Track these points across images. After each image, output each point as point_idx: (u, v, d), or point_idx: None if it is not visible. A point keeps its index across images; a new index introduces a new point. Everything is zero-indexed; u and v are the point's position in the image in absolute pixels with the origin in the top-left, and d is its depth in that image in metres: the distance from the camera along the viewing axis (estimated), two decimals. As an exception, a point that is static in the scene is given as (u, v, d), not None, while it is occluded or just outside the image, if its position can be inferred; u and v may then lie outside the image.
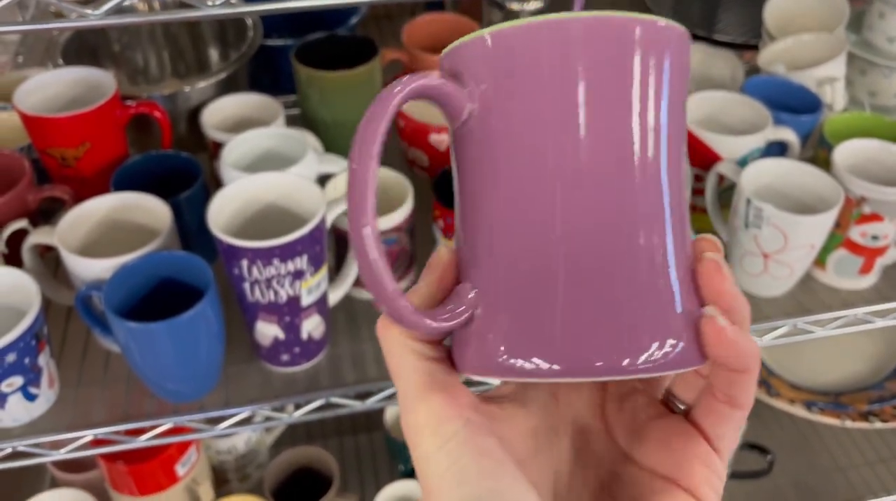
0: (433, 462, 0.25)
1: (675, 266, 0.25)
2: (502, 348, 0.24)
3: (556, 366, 0.24)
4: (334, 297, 0.67)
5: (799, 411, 0.95)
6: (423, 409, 0.25)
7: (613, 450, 0.28)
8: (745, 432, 0.91)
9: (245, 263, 0.56)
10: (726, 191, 0.75)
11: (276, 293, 0.58)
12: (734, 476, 0.96)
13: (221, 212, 0.59)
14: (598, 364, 0.24)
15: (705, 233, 0.28)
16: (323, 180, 0.72)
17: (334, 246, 0.70)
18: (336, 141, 0.80)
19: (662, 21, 0.24)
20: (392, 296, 0.25)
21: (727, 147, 0.72)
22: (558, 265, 0.24)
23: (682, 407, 0.28)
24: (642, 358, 0.24)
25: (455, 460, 0.24)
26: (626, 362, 0.24)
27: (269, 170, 0.64)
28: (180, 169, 0.72)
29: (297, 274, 0.58)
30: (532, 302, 0.24)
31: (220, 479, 0.95)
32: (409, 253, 0.71)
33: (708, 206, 0.74)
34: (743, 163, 0.72)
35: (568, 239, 0.24)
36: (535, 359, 0.24)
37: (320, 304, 0.63)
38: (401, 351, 0.26)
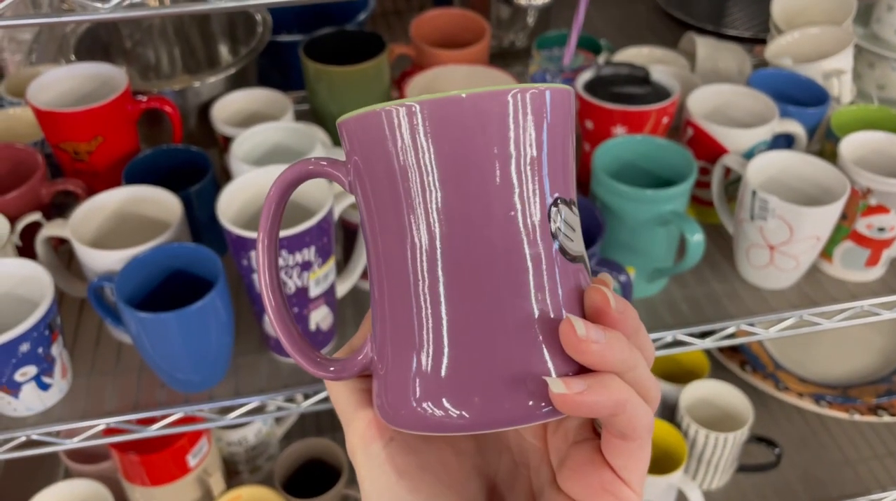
0: (363, 480, 0.27)
1: (551, 311, 0.25)
2: (384, 399, 0.26)
3: (448, 418, 0.24)
4: (342, 289, 0.68)
5: (807, 404, 0.95)
6: (351, 432, 0.27)
7: (548, 473, 0.28)
8: (754, 425, 0.91)
9: (253, 254, 0.57)
10: (732, 183, 0.75)
11: (284, 284, 0.59)
12: (742, 469, 0.96)
13: (231, 205, 0.60)
14: (471, 417, 0.24)
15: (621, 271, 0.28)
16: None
17: (342, 238, 0.70)
18: (344, 135, 0.81)
19: (514, 90, 0.24)
20: (294, 349, 0.28)
21: (734, 140, 0.72)
22: (427, 323, 0.25)
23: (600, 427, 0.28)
24: (521, 409, 0.24)
25: (375, 479, 0.26)
26: (501, 415, 0.24)
27: (278, 164, 0.65)
28: (191, 163, 0.73)
29: (305, 266, 0.59)
30: (408, 356, 0.25)
31: (231, 470, 0.96)
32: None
33: (714, 199, 0.74)
34: (749, 155, 0.72)
35: (436, 301, 0.25)
36: (420, 410, 0.25)
37: (328, 295, 0.63)
38: (334, 383, 0.28)
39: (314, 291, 0.61)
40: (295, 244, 0.57)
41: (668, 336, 0.68)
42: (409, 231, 0.25)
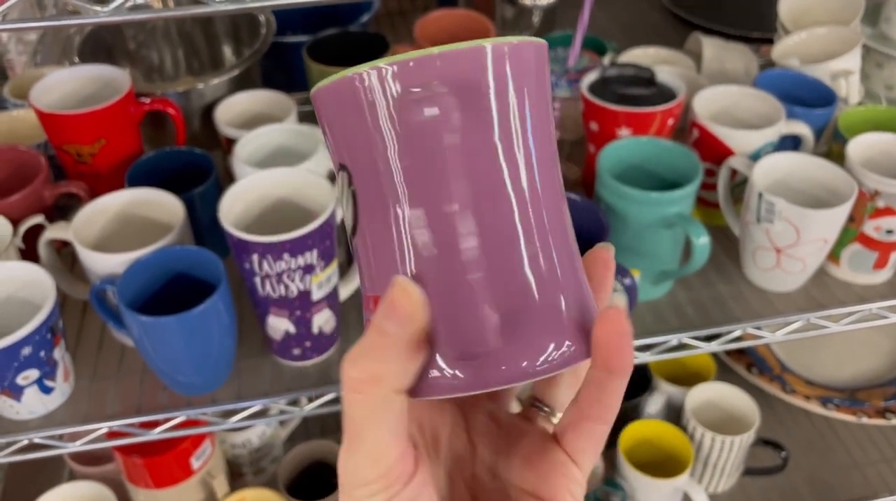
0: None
1: (560, 274, 0.25)
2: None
3: (458, 379, 0.24)
4: (345, 292, 0.67)
5: (814, 407, 0.95)
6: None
7: (482, 470, 0.29)
8: (760, 428, 0.91)
9: (256, 257, 0.57)
10: (738, 185, 0.75)
11: (286, 287, 0.59)
12: (749, 472, 0.95)
13: (233, 208, 0.60)
14: (501, 369, 0.24)
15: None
16: (334, 176, 0.72)
17: (344, 240, 0.70)
18: (348, 137, 0.81)
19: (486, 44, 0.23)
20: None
21: (740, 141, 0.71)
22: (447, 285, 0.24)
23: (547, 410, 0.29)
24: (541, 359, 0.24)
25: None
26: (525, 364, 0.24)
27: (281, 166, 0.65)
28: (194, 165, 0.73)
29: (308, 269, 0.58)
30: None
31: (235, 473, 0.96)
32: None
33: (720, 201, 0.73)
34: (756, 157, 0.71)
35: (452, 262, 0.24)
36: (435, 374, 0.24)
37: (331, 299, 0.63)
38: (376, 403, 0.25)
39: (317, 294, 0.61)
40: (297, 247, 0.56)
41: (674, 339, 0.68)
42: (427, 197, 0.24)
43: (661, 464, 0.91)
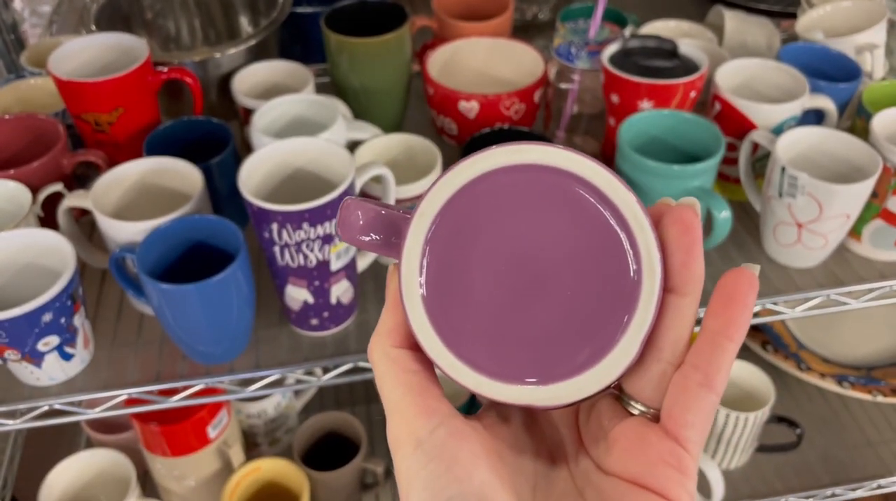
0: (405, 467, 0.25)
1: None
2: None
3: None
4: (363, 263, 0.67)
5: (830, 385, 0.94)
6: (398, 417, 0.26)
7: (586, 461, 0.28)
8: (775, 405, 0.91)
9: (275, 227, 0.57)
10: (760, 160, 0.74)
11: (305, 257, 0.59)
12: (763, 449, 0.95)
13: (252, 177, 0.60)
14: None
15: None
16: (352, 147, 0.72)
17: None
18: (366, 107, 0.80)
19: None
20: None
21: (762, 115, 0.71)
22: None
23: (640, 409, 0.27)
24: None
25: (424, 465, 0.25)
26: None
27: (299, 136, 0.64)
28: (211, 135, 0.72)
29: (327, 239, 0.58)
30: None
31: (251, 443, 0.96)
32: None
33: (741, 176, 0.73)
34: (778, 131, 0.71)
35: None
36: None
37: (349, 269, 0.63)
38: (384, 363, 0.27)
39: (335, 265, 0.61)
40: (316, 217, 0.56)
41: (692, 314, 0.67)
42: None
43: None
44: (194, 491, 0.88)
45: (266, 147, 0.61)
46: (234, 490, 0.86)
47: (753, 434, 0.92)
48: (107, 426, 0.95)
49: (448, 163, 0.76)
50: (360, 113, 0.80)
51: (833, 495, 0.94)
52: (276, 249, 0.59)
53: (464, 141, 0.80)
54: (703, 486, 0.90)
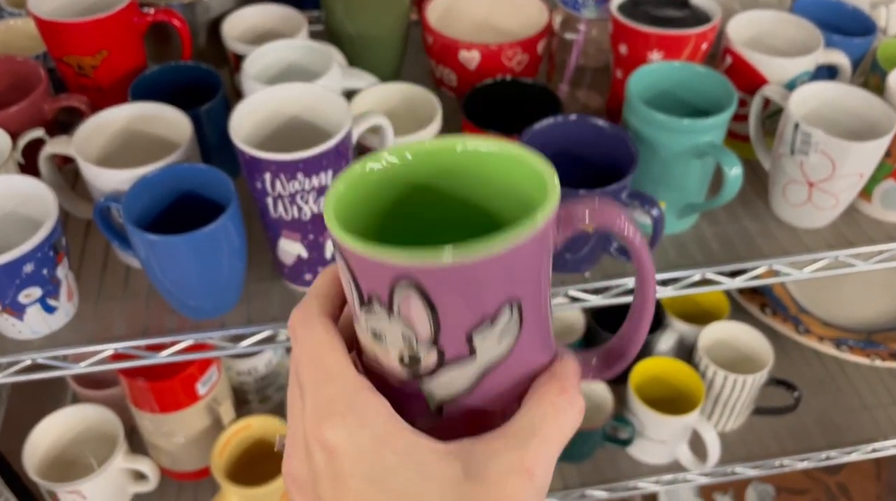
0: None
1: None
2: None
3: None
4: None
5: (828, 349, 0.93)
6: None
7: None
8: (772, 368, 0.90)
9: (268, 177, 0.54)
10: (770, 117, 0.71)
11: (299, 209, 0.56)
12: (759, 411, 0.94)
13: (243, 124, 0.57)
14: None
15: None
16: (348, 97, 0.69)
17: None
18: (361, 57, 0.77)
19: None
20: None
21: (775, 69, 0.68)
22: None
23: None
24: None
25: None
26: None
27: (293, 82, 0.61)
28: (200, 81, 0.69)
29: (322, 191, 0.56)
30: None
31: (241, 400, 0.95)
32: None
33: (751, 132, 0.70)
34: (791, 87, 0.68)
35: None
36: None
37: (345, 223, 0.61)
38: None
39: (331, 218, 0.58)
40: (312, 166, 0.54)
41: (697, 274, 0.66)
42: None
43: (672, 401, 0.90)
44: (183, 448, 0.87)
45: (259, 93, 0.58)
46: (224, 447, 0.84)
47: (750, 397, 0.91)
48: (93, 381, 0.93)
49: (447, 118, 0.74)
50: (355, 62, 0.77)
51: (828, 458, 0.94)
52: (269, 200, 0.56)
53: (463, 93, 0.77)
54: (699, 448, 0.89)
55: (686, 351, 0.95)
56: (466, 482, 0.23)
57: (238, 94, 0.72)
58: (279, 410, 0.92)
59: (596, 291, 0.65)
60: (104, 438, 0.85)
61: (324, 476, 0.24)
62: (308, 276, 0.62)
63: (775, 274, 0.67)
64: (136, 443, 0.91)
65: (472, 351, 0.25)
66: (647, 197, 0.59)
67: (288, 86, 0.59)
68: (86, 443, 0.88)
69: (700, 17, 0.69)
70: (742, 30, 0.72)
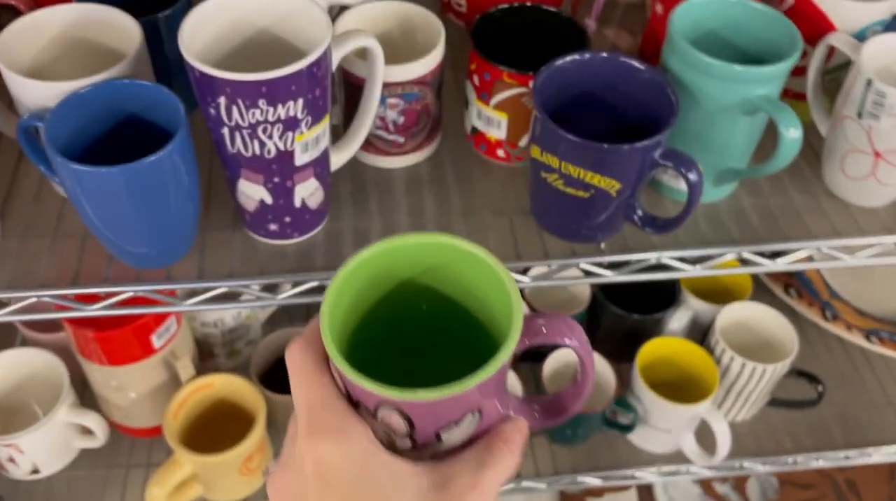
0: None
1: None
2: None
3: None
4: (338, 160, 0.55)
5: (856, 338, 0.84)
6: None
7: None
8: (794, 359, 0.80)
9: (223, 101, 0.44)
10: (830, 72, 0.61)
11: (262, 144, 0.46)
12: (776, 403, 0.86)
13: (197, 34, 0.46)
14: None
15: None
16: (337, 14, 0.58)
17: (342, 96, 0.57)
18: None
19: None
20: None
21: (845, 15, 0.57)
22: None
23: None
24: None
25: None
26: None
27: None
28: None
29: (290, 124, 0.45)
30: None
31: (206, 353, 0.86)
32: (432, 113, 0.58)
33: (808, 90, 0.60)
34: (860, 37, 0.57)
35: None
36: None
37: (319, 166, 0.50)
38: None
39: (301, 158, 0.48)
40: (277, 92, 0.43)
41: (731, 253, 0.56)
42: None
43: (681, 386, 0.81)
44: (136, 404, 0.78)
45: (218, -3, 0.47)
46: (180, 408, 0.75)
47: (768, 388, 0.82)
48: (42, 324, 0.84)
49: (455, 44, 0.63)
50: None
51: (846, 458, 0.86)
52: (226, 132, 0.46)
53: (472, 20, 0.66)
54: (707, 439, 0.80)
55: (700, 332, 0.86)
56: (433, 493, 0.28)
57: (207, 4, 0.61)
58: (247, 367, 0.83)
59: (612, 265, 0.56)
60: (50, 386, 0.77)
61: (313, 484, 0.28)
62: (273, 226, 0.53)
63: (823, 257, 0.57)
64: (89, 395, 0.82)
65: (440, 440, 0.30)
66: (685, 157, 0.49)
67: (255, -9, 0.48)
68: (31, 390, 0.80)
69: (762, -54, 0.57)
70: (807, -35, 0.60)
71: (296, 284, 0.53)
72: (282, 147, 0.46)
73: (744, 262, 0.57)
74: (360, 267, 0.30)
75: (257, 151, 0.46)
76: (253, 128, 0.45)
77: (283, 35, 0.49)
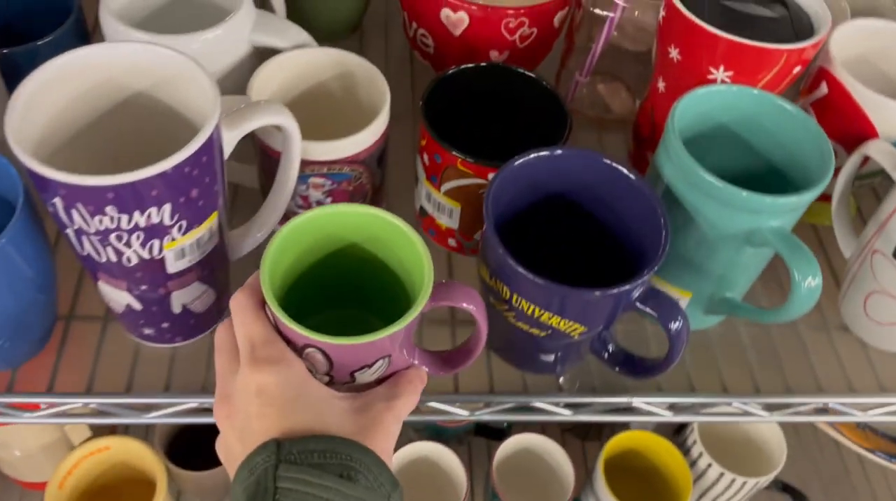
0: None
1: None
2: None
3: None
4: (246, 245, 0.44)
5: (854, 446, 0.74)
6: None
7: None
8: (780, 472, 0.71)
9: (60, 204, 0.33)
10: (862, 177, 0.50)
11: (119, 253, 0.35)
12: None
13: (41, 103, 0.35)
14: None
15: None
16: (266, 56, 0.46)
17: (258, 159, 0.46)
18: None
19: None
20: None
21: (887, 115, 0.46)
22: None
23: None
24: None
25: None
26: None
27: (168, 30, 0.39)
28: (48, 5, 0.47)
29: (155, 232, 0.34)
30: None
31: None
32: (369, 191, 0.47)
33: (834, 202, 0.49)
34: (903, 144, 0.46)
35: None
36: None
37: (205, 269, 0.39)
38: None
39: (175, 265, 0.37)
40: (129, 198, 0.32)
41: (721, 404, 0.45)
42: None
43: (649, 481, 0.72)
44: (22, 462, 0.68)
45: (70, 54, 0.35)
46: (67, 476, 0.65)
47: (747, 499, 0.72)
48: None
49: (417, 87, 0.52)
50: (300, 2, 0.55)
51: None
52: (70, 233, 0.35)
53: (440, 63, 0.55)
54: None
55: (673, 426, 0.76)
56: (356, 413, 0.33)
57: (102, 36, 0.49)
58: (147, 431, 0.72)
59: (572, 404, 0.45)
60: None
61: (256, 402, 0.31)
62: (148, 331, 0.42)
63: (834, 412, 0.47)
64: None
65: (353, 379, 0.34)
66: (668, 303, 0.38)
67: (122, 45, 0.36)
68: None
69: (800, 24, 0.46)
70: (848, 45, 0.49)
71: (167, 406, 0.43)
72: (146, 256, 0.36)
73: (732, 413, 0.46)
74: (299, 228, 0.34)
75: (113, 259, 0.35)
76: (103, 234, 0.34)
77: (166, 100, 0.37)
